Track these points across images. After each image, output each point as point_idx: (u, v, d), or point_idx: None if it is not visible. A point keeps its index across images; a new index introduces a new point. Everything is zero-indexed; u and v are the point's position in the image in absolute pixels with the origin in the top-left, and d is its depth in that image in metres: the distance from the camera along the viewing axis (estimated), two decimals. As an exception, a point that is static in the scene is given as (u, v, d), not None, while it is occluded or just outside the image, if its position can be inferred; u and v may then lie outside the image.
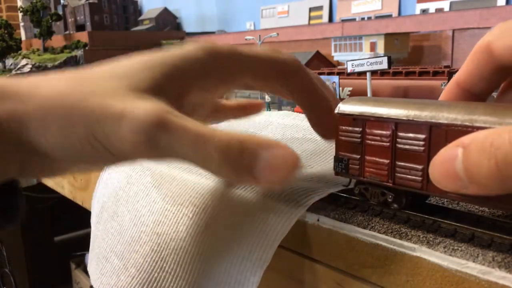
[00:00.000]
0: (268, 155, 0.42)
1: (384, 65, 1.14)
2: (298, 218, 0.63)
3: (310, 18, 5.80)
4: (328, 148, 0.96)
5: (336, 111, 0.58)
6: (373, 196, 0.58)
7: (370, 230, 0.57)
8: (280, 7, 5.06)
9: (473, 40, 3.71)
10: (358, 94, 1.36)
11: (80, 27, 6.59)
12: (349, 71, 1.23)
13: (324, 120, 0.61)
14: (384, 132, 0.53)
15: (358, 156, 0.57)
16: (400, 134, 0.51)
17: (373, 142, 0.55)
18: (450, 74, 1.15)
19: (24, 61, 5.76)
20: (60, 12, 6.68)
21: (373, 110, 0.54)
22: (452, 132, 0.45)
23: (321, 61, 4.37)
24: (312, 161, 0.88)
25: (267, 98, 1.53)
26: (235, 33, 5.22)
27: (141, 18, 7.02)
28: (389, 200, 0.56)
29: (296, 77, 0.59)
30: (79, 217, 0.80)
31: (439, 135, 0.46)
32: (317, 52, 4.43)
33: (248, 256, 0.61)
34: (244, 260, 0.62)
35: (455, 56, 3.67)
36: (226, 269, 0.63)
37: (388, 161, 0.53)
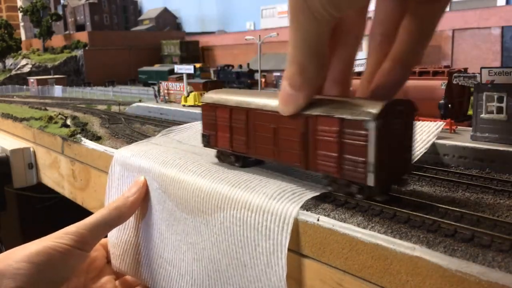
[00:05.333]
0: None
1: (384, 65, 1.15)
2: (297, 218, 0.64)
3: (310, 18, 5.75)
4: None
5: (201, 100, 0.84)
6: (225, 159, 0.84)
7: (370, 230, 0.58)
8: (280, 7, 5.05)
9: (473, 40, 3.71)
10: (358, 94, 1.36)
11: (80, 27, 6.57)
12: (349, 71, 1.23)
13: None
14: (225, 116, 0.79)
15: (214, 133, 0.82)
16: (233, 116, 0.77)
17: (220, 123, 0.80)
18: (450, 74, 1.15)
19: (24, 61, 5.75)
20: (60, 12, 6.67)
21: (220, 100, 0.80)
22: (255, 114, 0.73)
23: (321, 61, 4.29)
24: None
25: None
26: (235, 33, 5.21)
27: (141, 18, 7.00)
28: (233, 160, 0.82)
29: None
30: (79, 217, 0.81)
31: (251, 116, 0.74)
32: (317, 52, 4.33)
33: (268, 264, 0.62)
34: (265, 267, 0.63)
35: (455, 56, 3.65)
36: (255, 278, 0.65)
37: (228, 135, 0.79)
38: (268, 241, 0.62)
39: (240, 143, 0.77)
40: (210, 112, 0.82)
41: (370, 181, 0.57)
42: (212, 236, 0.70)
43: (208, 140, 0.84)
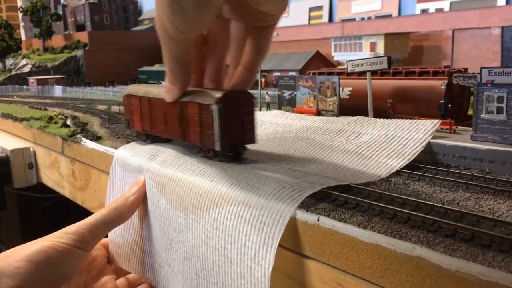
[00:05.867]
0: None
1: (384, 65, 1.14)
2: (297, 218, 0.64)
3: (310, 18, 5.78)
4: (320, 148, 0.97)
5: (122, 92, 1.06)
6: (140, 138, 1.06)
7: (370, 230, 0.58)
8: (280, 7, 5.00)
9: (473, 40, 3.71)
10: (358, 94, 1.37)
11: (80, 27, 6.57)
12: (349, 71, 1.23)
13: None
14: (137, 103, 1.01)
15: (131, 117, 1.06)
16: (141, 104, 1.00)
17: (134, 109, 1.04)
18: (450, 74, 1.15)
19: (24, 61, 5.76)
20: (60, 12, 6.66)
21: (133, 91, 1.03)
22: (153, 101, 0.95)
23: (321, 61, 4.34)
24: (304, 160, 0.89)
25: (267, 98, 1.54)
26: (235, 33, 5.16)
27: (141, 18, 7.00)
28: (145, 138, 1.04)
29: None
30: (79, 217, 0.81)
31: (151, 103, 0.96)
32: (317, 52, 4.41)
33: (254, 259, 0.62)
34: (251, 263, 0.63)
35: (455, 56, 3.65)
36: (239, 275, 0.65)
37: (139, 118, 1.01)
38: (260, 234, 0.62)
39: (146, 124, 0.99)
40: (128, 101, 1.05)
41: (217, 146, 0.79)
42: (203, 232, 0.71)
43: (128, 123, 1.08)
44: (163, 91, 0.84)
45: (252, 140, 0.84)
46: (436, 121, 0.93)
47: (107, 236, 0.95)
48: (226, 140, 0.79)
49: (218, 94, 0.77)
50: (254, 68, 0.77)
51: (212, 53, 0.81)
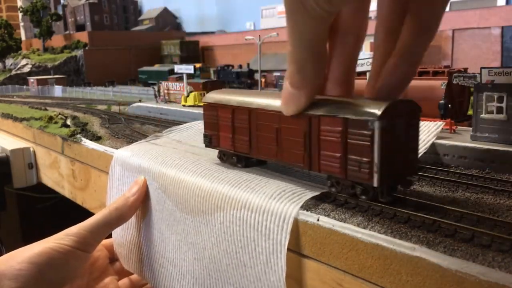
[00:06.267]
0: None
1: (384, 65, 1.15)
2: (297, 219, 0.64)
3: (310, 18, 5.75)
4: None
5: (203, 100, 0.85)
6: (227, 160, 0.83)
7: (370, 230, 0.58)
8: (280, 7, 5.04)
9: (473, 40, 3.71)
10: (358, 94, 1.36)
11: (80, 27, 6.57)
12: (349, 71, 1.23)
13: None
14: (227, 116, 0.79)
15: (216, 133, 0.82)
16: (235, 116, 0.77)
17: (222, 122, 0.80)
18: (450, 74, 1.15)
19: (24, 61, 5.76)
20: (60, 12, 6.66)
21: (222, 100, 0.80)
22: (258, 114, 0.73)
23: (321, 61, 4.28)
24: None
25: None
26: (235, 33, 5.21)
27: (141, 18, 7.00)
28: (235, 161, 0.82)
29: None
30: (79, 217, 0.82)
31: (253, 116, 0.74)
32: (317, 52, 4.32)
33: (267, 264, 0.62)
34: (265, 267, 0.63)
35: (455, 56, 3.65)
36: (255, 277, 0.65)
37: (230, 135, 0.79)
38: (268, 241, 0.62)
39: (242, 143, 0.77)
40: (212, 112, 0.82)
41: (375, 181, 0.56)
42: (212, 236, 0.70)
43: (210, 140, 0.83)
44: (282, 99, 0.62)
45: (414, 171, 0.64)
46: (440, 122, 0.94)
47: (109, 237, 0.95)
48: (389, 172, 0.58)
49: (379, 106, 0.56)
50: (416, 56, 0.56)
51: (342, 46, 0.60)
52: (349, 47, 0.61)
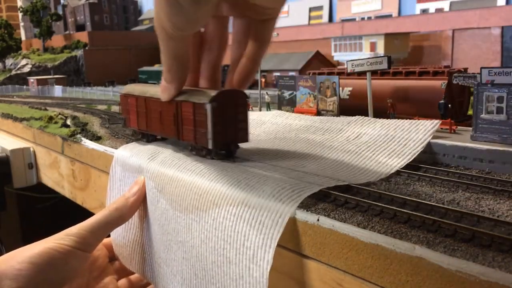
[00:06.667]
0: None
1: (384, 65, 1.14)
2: (297, 218, 0.64)
3: (310, 18, 5.78)
4: (320, 148, 0.97)
5: (119, 92, 1.15)
6: (136, 136, 1.09)
7: (370, 230, 0.58)
8: (280, 7, 5.01)
9: (473, 40, 3.71)
10: (358, 94, 1.37)
11: (80, 27, 6.56)
12: (349, 71, 1.23)
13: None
14: (133, 103, 1.03)
15: (128, 116, 1.08)
16: (137, 103, 1.01)
17: (130, 108, 1.05)
18: (450, 74, 1.15)
19: (24, 61, 5.76)
20: (60, 12, 6.66)
21: (130, 91, 1.05)
22: (149, 101, 0.96)
23: (321, 61, 4.34)
24: (304, 160, 0.89)
25: (267, 98, 1.54)
26: (235, 33, 5.17)
27: (141, 18, 6.99)
28: (140, 137, 1.06)
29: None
30: (79, 217, 0.82)
31: (147, 102, 0.97)
32: (317, 52, 4.41)
33: (253, 259, 0.62)
34: (249, 263, 0.63)
35: (455, 56, 3.65)
36: (237, 275, 0.65)
37: (136, 117, 1.04)
38: (259, 235, 0.62)
39: (142, 123, 1.01)
40: (125, 100, 1.08)
41: (209, 145, 0.81)
42: (202, 233, 0.71)
43: (124, 122, 1.11)
44: (159, 90, 0.85)
45: (245, 138, 0.85)
46: (436, 121, 0.93)
47: (108, 236, 0.95)
48: (219, 138, 0.81)
49: (212, 93, 0.79)
50: (257, 59, 0.77)
51: (209, 52, 0.81)
52: (214, 53, 0.81)
